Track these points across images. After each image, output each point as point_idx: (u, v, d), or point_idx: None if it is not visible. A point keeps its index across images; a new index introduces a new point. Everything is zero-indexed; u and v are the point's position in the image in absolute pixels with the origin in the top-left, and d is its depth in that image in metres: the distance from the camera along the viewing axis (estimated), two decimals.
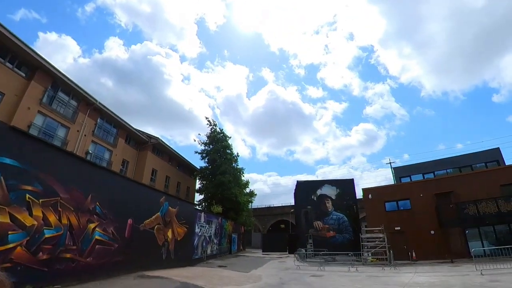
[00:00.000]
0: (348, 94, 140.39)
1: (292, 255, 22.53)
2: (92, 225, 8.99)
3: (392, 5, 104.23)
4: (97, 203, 9.32)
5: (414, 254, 18.72)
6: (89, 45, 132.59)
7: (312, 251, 21.98)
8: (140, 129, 27.15)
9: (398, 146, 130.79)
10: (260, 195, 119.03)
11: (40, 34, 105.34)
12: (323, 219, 24.46)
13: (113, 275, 9.52)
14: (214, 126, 32.08)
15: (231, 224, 27.99)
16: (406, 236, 19.66)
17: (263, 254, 28.14)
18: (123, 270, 10.11)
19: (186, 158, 33.40)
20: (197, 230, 18.17)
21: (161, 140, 27.29)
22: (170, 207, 14.52)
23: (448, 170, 24.60)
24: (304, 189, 25.91)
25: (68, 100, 20.13)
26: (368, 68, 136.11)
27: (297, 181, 26.42)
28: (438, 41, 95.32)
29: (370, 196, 21.80)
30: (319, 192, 25.25)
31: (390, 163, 41.52)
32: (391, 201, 21.12)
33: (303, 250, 22.06)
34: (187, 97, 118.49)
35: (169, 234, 14.27)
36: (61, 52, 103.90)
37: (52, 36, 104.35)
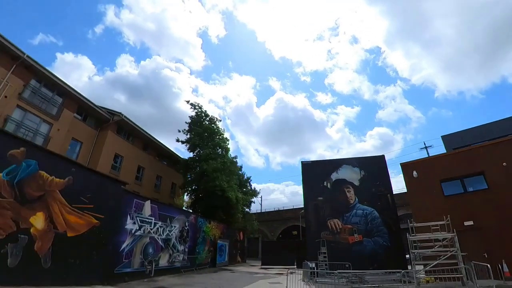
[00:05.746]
0: (359, 99, 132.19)
1: (300, 271, 15.06)
2: None
3: (392, 5, 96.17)
4: None
5: (506, 268, 10.57)
6: (102, 64, 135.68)
7: (326, 266, 14.26)
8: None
9: (417, 150, 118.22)
10: (278, 204, 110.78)
11: (58, 54, 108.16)
12: (343, 216, 16.62)
13: None
14: (199, 109, 25.73)
15: (217, 228, 20.87)
16: (484, 235, 11.56)
17: (260, 268, 20.53)
18: None
19: (167, 146, 27.03)
20: (130, 226, 11.34)
21: (125, 117, 21.16)
22: (42, 172, 7.92)
23: None
24: (312, 174, 18.09)
25: None
26: (376, 70, 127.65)
27: (302, 162, 18.58)
28: (447, 38, 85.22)
29: (415, 173, 13.82)
30: (334, 176, 17.46)
31: (425, 147, 32.99)
32: (451, 180, 13.00)
33: (311, 264, 14.39)
34: None
35: (36, 220, 7.59)
36: (77, 71, 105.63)
37: (69, 56, 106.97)
